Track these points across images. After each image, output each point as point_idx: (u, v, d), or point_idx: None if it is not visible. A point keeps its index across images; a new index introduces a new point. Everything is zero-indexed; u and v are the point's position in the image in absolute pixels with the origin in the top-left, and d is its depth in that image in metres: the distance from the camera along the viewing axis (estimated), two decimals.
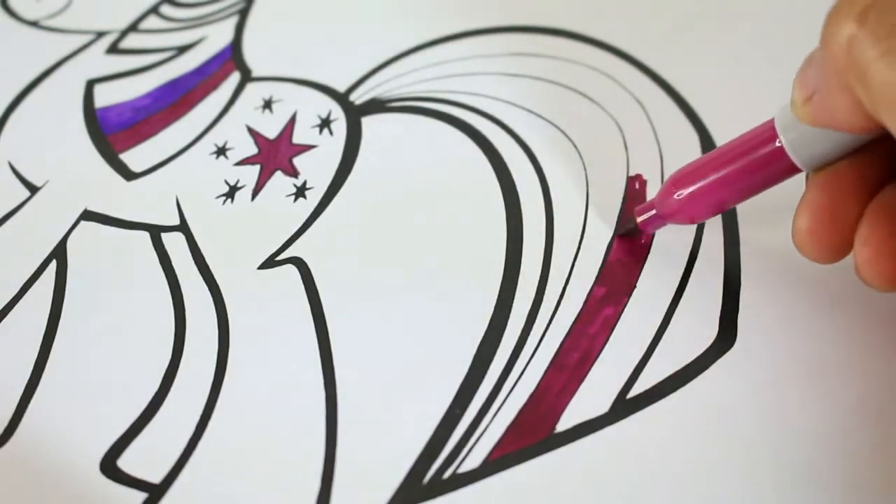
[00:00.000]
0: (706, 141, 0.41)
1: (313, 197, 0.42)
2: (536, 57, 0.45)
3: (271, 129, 0.45)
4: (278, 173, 0.43)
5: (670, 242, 0.38)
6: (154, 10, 0.51)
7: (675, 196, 0.34)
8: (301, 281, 0.39)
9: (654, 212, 0.36)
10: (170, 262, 0.41)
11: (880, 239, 0.30)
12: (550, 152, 0.42)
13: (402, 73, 0.46)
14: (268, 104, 0.46)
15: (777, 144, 0.31)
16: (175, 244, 0.42)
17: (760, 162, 0.32)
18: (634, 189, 0.40)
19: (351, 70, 0.46)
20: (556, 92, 0.44)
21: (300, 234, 0.41)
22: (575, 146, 0.41)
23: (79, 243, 0.42)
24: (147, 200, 0.43)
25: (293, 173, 0.43)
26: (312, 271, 0.39)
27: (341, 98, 0.45)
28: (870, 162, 0.31)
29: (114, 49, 0.50)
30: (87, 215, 0.43)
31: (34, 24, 0.52)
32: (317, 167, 0.43)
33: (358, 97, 0.45)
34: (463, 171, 0.42)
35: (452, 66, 0.46)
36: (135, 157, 0.45)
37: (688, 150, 0.40)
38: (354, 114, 0.45)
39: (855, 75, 0.26)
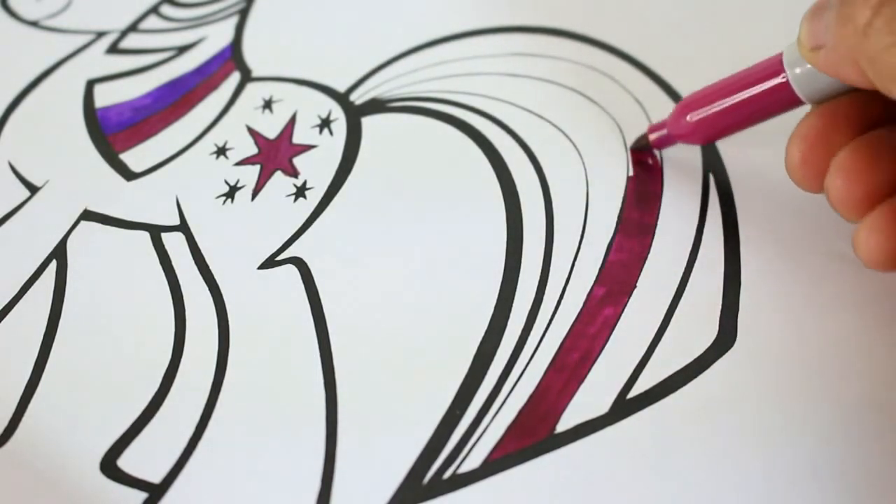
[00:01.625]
0: None
1: (313, 197, 0.42)
2: (536, 57, 0.46)
3: (271, 129, 0.45)
4: (278, 173, 0.43)
5: (671, 244, 0.38)
6: (154, 9, 0.52)
7: (686, 118, 0.37)
8: (301, 281, 0.39)
9: (665, 131, 0.39)
10: (170, 262, 0.41)
11: (857, 168, 0.31)
12: (550, 153, 0.42)
13: (402, 74, 0.46)
14: (268, 104, 0.46)
15: (782, 79, 0.33)
16: (175, 244, 0.42)
17: (766, 94, 0.34)
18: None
19: (351, 70, 0.47)
20: (557, 92, 0.44)
21: (300, 234, 0.41)
22: (575, 146, 0.42)
23: (79, 243, 0.42)
24: (147, 200, 0.43)
25: (293, 173, 0.43)
26: (312, 271, 0.39)
27: (341, 98, 0.45)
28: (867, 100, 0.32)
29: (114, 49, 0.50)
30: (87, 215, 0.43)
31: (34, 24, 0.52)
32: (317, 167, 0.43)
33: (358, 97, 0.45)
34: (463, 171, 0.42)
35: (452, 66, 0.46)
36: (135, 157, 0.45)
37: (685, 148, 0.41)
38: (354, 114, 0.45)
39: (866, 57, 0.28)
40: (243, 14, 0.50)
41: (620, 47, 0.46)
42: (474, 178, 0.42)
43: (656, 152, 0.41)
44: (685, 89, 0.43)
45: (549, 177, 0.41)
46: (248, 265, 0.41)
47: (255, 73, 0.48)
